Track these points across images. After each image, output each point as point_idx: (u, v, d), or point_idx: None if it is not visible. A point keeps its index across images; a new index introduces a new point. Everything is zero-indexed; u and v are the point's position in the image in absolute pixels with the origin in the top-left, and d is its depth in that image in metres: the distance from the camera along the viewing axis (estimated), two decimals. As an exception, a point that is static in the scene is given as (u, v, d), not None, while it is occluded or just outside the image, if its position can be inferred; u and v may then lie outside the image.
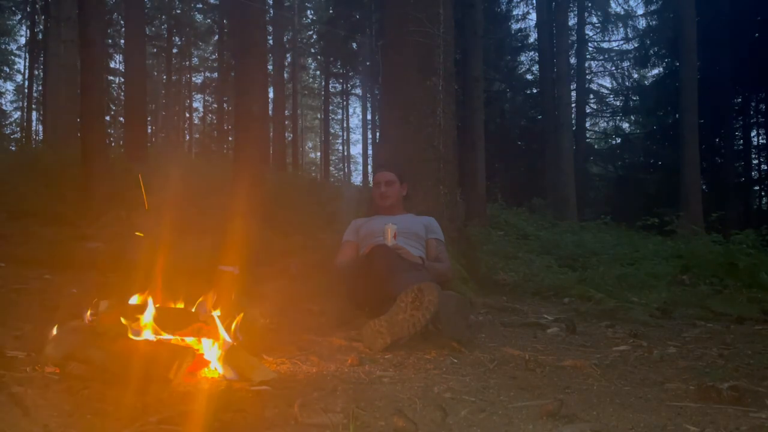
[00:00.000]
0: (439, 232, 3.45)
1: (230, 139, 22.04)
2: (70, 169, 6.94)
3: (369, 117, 26.74)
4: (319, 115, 36.93)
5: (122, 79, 18.90)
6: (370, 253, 2.82)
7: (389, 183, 3.45)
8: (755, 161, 19.02)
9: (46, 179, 6.93)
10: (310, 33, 28.07)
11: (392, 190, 3.45)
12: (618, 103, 21.01)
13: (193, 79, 30.75)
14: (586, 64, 19.97)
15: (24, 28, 22.98)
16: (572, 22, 18.48)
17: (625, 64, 20.50)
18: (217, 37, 26.03)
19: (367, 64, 21.18)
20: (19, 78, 28.65)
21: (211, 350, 1.86)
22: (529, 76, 21.01)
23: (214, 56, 28.75)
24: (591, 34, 20.06)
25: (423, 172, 4.26)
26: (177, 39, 26.52)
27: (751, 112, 18.90)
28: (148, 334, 1.82)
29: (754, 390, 1.80)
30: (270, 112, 15.09)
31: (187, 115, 31.19)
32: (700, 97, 13.32)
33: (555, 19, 16.03)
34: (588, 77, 20.35)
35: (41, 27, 16.76)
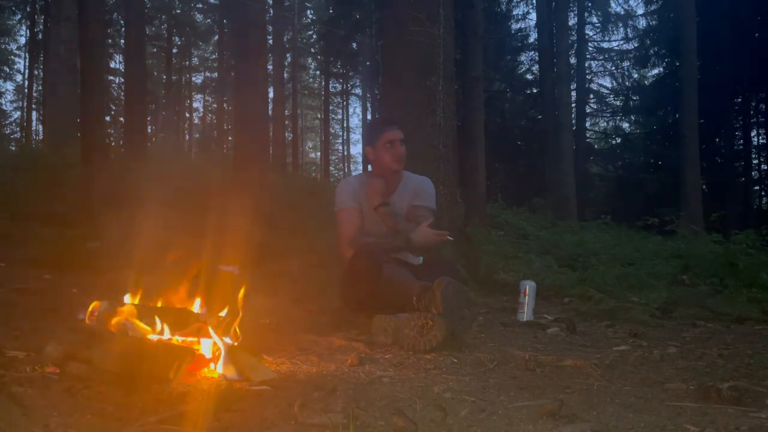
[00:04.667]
0: (429, 197, 3.10)
1: (230, 139, 22.05)
2: (70, 169, 6.94)
3: (369, 117, 26.74)
4: (319, 115, 36.93)
5: (122, 79, 18.91)
6: (358, 256, 2.76)
7: (402, 141, 2.99)
8: (755, 161, 19.06)
9: (46, 179, 6.93)
10: (310, 33, 28.08)
11: (404, 150, 3.00)
12: (618, 103, 21.03)
13: (193, 79, 30.77)
14: (586, 64, 19.97)
15: (24, 28, 23.03)
16: (572, 22, 18.48)
17: (625, 64, 20.52)
18: (217, 37, 26.06)
19: (367, 64, 21.19)
20: (19, 78, 28.69)
21: (211, 350, 1.86)
22: (529, 76, 21.02)
23: (214, 56, 28.77)
24: (591, 34, 20.07)
25: (423, 172, 4.26)
26: (177, 39, 26.52)
27: (751, 112, 18.92)
28: (148, 334, 1.82)
29: (754, 390, 1.81)
30: (270, 112, 15.10)
31: (187, 115, 31.21)
32: (700, 97, 13.32)
33: (555, 19, 16.02)
34: (588, 77, 20.34)
35: (41, 27, 16.76)
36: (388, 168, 3.01)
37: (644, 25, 19.83)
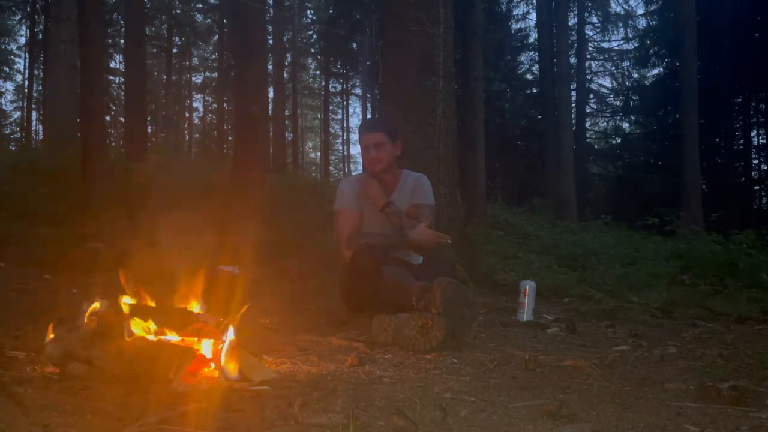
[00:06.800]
0: (427, 194, 3.10)
1: (230, 139, 22.05)
2: (70, 169, 6.95)
3: (369, 117, 26.71)
4: (319, 115, 36.93)
5: (122, 79, 18.90)
6: (358, 256, 2.74)
7: (379, 145, 2.99)
8: (755, 161, 19.02)
9: (46, 179, 6.94)
10: (310, 33, 28.07)
11: (383, 153, 3.00)
12: (618, 103, 21.04)
13: (193, 79, 30.77)
14: (586, 64, 19.98)
15: (24, 28, 22.98)
16: (572, 22, 18.48)
17: (625, 64, 20.55)
18: (217, 37, 26.04)
19: (367, 64, 21.20)
20: (19, 78, 28.69)
21: (211, 350, 1.86)
22: (529, 76, 21.03)
23: (214, 56, 28.75)
24: (591, 34, 20.09)
25: (423, 171, 4.26)
26: (177, 39, 26.52)
27: (751, 112, 18.90)
28: (148, 334, 1.82)
29: (754, 390, 1.80)
30: (270, 112, 15.10)
31: (187, 115, 31.21)
32: (700, 97, 13.32)
33: (555, 19, 16.03)
34: (588, 77, 20.35)
35: (41, 27, 16.75)
36: (369, 170, 3.08)
37: (644, 25, 19.86)
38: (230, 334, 1.86)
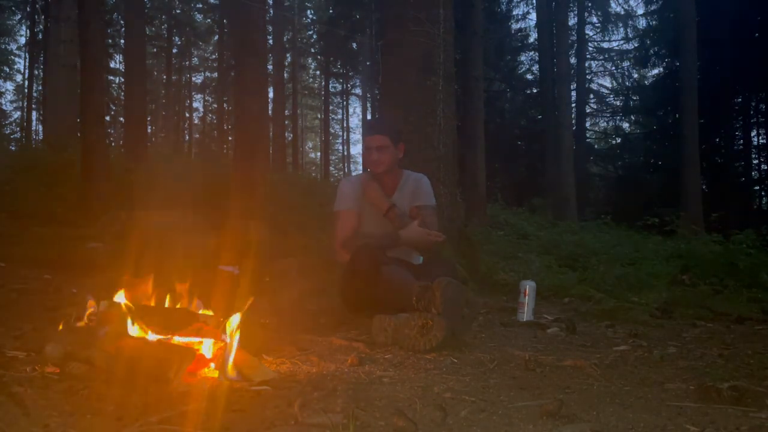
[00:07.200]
0: (428, 195, 3.12)
1: (230, 139, 22.06)
2: (70, 169, 6.95)
3: (369, 117, 26.72)
4: (319, 115, 36.94)
5: (122, 79, 18.91)
6: (357, 257, 2.74)
7: (381, 148, 3.02)
8: (755, 161, 19.01)
9: (46, 179, 6.94)
10: (310, 33, 28.10)
11: (385, 155, 3.02)
12: (618, 103, 21.04)
13: (193, 79, 30.77)
14: (586, 64, 19.98)
15: (24, 28, 23.03)
16: (572, 22, 18.49)
17: (625, 64, 20.55)
18: (217, 37, 26.06)
19: (367, 64, 21.23)
20: (19, 78, 28.70)
21: (211, 350, 1.86)
22: (529, 76, 21.04)
23: (214, 56, 28.77)
24: (591, 34, 20.09)
25: (423, 171, 4.26)
26: (177, 39, 26.53)
27: (751, 112, 18.90)
28: (148, 334, 1.82)
29: (754, 390, 1.80)
30: (270, 112, 15.10)
31: (187, 115, 31.20)
32: (700, 97, 13.32)
33: (555, 19, 16.03)
34: (588, 77, 20.35)
35: (41, 27, 16.77)
36: (370, 170, 3.10)
37: (644, 25, 19.87)
38: (230, 334, 1.87)
